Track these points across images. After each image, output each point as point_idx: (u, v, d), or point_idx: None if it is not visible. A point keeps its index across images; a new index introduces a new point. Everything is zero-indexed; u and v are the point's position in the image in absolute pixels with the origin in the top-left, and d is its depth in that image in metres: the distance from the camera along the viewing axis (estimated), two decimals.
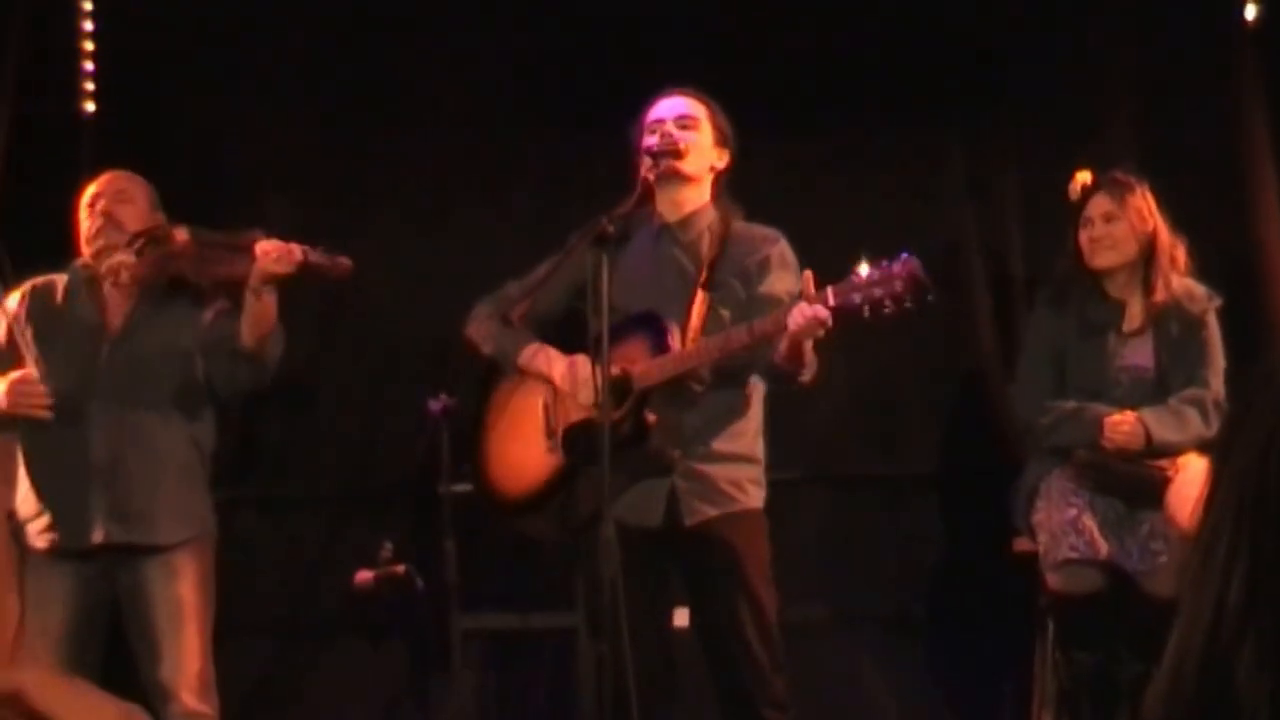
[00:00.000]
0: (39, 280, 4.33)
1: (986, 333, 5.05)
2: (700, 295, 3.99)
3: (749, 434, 4.04)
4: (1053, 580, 4.23)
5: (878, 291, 3.65)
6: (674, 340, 3.91)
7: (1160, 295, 4.35)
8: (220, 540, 4.34)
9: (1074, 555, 4.18)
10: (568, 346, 4.03)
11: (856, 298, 3.66)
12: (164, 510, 4.15)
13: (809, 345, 3.81)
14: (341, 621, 5.06)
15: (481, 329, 4.17)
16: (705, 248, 4.06)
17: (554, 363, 4.03)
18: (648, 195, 4.04)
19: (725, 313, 3.99)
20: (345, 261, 4.13)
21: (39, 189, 5.03)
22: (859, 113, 4.93)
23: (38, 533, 4.17)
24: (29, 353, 4.16)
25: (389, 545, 4.51)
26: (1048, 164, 4.82)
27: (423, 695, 5.02)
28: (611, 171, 4.10)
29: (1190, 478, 4.20)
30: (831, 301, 3.68)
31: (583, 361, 3.96)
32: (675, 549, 3.98)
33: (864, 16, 5.13)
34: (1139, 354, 4.39)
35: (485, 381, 4.21)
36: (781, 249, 4.07)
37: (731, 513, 3.96)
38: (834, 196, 4.85)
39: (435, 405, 4.43)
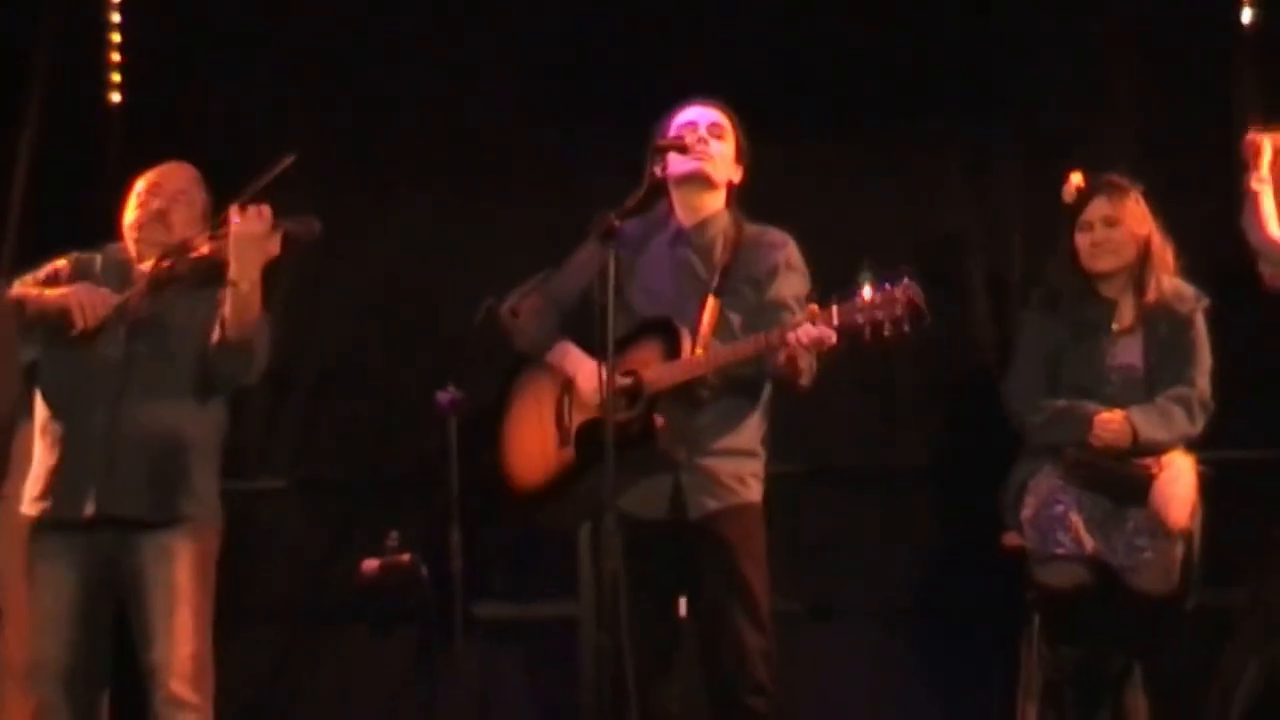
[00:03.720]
0: (82, 255, 4.22)
1: (983, 331, 5.02)
2: (711, 301, 4.00)
3: (751, 429, 4.05)
4: (1040, 575, 4.19)
5: (879, 314, 3.67)
6: (686, 346, 3.93)
7: (1151, 296, 4.31)
8: (230, 528, 4.22)
9: (1061, 551, 4.14)
10: (587, 340, 4.00)
11: (859, 318, 3.69)
12: (157, 487, 4.01)
13: (810, 358, 3.84)
14: (348, 608, 5.02)
15: (515, 323, 4.14)
16: (719, 253, 4.06)
17: (579, 364, 4.03)
18: (663, 195, 4.06)
19: (735, 318, 4.00)
20: (315, 223, 4.04)
21: (66, 178, 4.99)
22: (861, 115, 4.88)
23: (32, 500, 4.07)
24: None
25: (395, 534, 4.44)
26: (1046, 166, 4.74)
27: (427, 681, 4.93)
28: (620, 169, 4.06)
29: (1174, 476, 4.17)
30: (835, 321, 3.70)
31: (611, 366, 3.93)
32: (678, 540, 3.98)
33: (864, 20, 5.10)
34: (1129, 353, 4.33)
35: (511, 374, 4.19)
36: (789, 253, 4.09)
37: (732, 506, 3.97)
38: (836, 198, 4.82)
39: (444, 398, 4.34)
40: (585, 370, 3.98)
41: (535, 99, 5.20)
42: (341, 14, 5.32)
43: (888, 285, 3.70)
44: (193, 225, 4.17)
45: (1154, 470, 4.16)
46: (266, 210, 3.93)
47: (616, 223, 3.62)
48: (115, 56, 5.42)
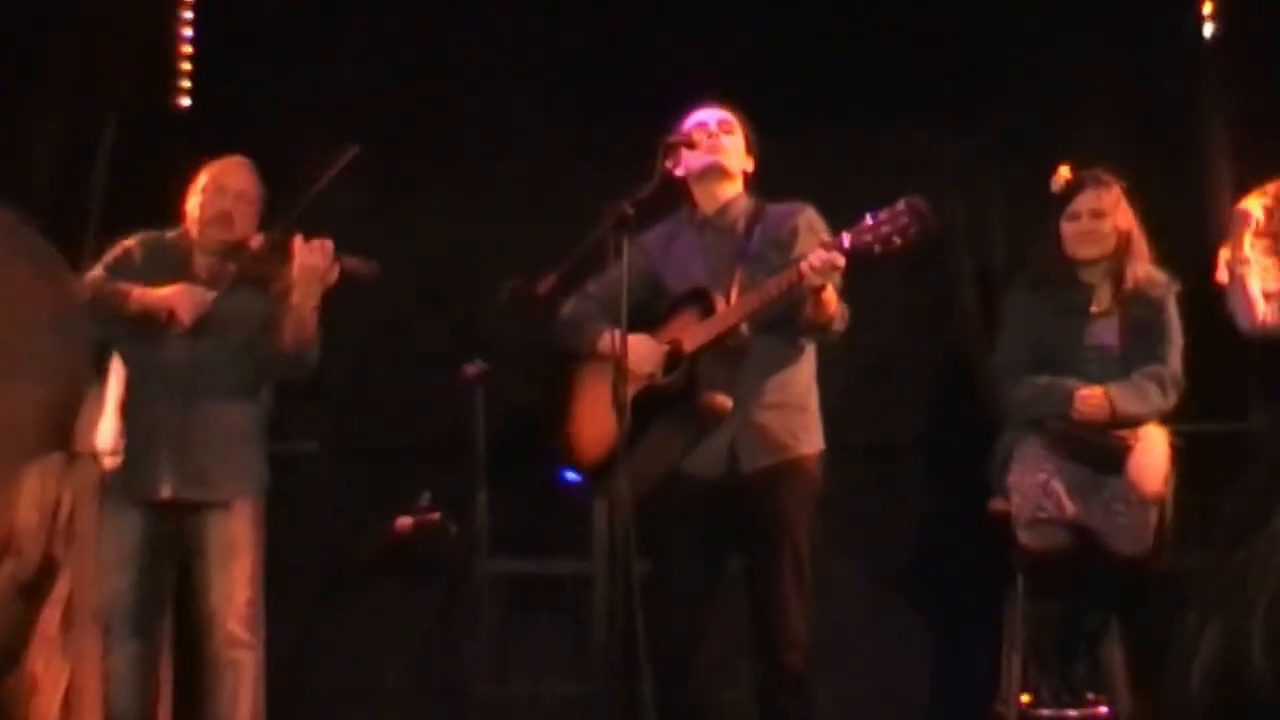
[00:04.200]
0: (148, 235, 4.36)
1: (970, 314, 5.06)
2: (739, 269, 4.04)
3: (800, 384, 4.07)
4: (1024, 537, 4.27)
5: (886, 229, 3.73)
6: (720, 307, 3.97)
7: (1129, 282, 4.39)
8: (275, 489, 4.39)
9: (1043, 515, 4.23)
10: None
11: (868, 237, 3.73)
12: (225, 470, 4.22)
13: (831, 296, 3.86)
14: (382, 564, 5.05)
15: (563, 327, 4.24)
16: (741, 228, 4.13)
17: (618, 342, 4.05)
18: (681, 192, 4.16)
19: (764, 278, 4.00)
20: (373, 265, 4.25)
21: (135, 180, 5.03)
22: (850, 111, 4.95)
23: (108, 455, 4.23)
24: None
25: (427, 495, 4.56)
26: (1028, 161, 4.84)
27: (453, 631, 5.07)
28: (634, 161, 4.11)
29: (1148, 447, 4.25)
30: (846, 244, 3.74)
31: (643, 338, 4.01)
32: (735, 496, 4.00)
33: (854, 20, 5.15)
34: (1106, 334, 4.42)
35: (565, 372, 4.27)
36: (809, 216, 4.13)
37: (784, 460, 4.00)
38: (829, 191, 4.75)
39: (470, 370, 4.45)
40: (631, 347, 3.96)
41: (556, 99, 5.26)
42: (389, 23, 5.37)
43: (889, 207, 3.76)
44: (252, 221, 4.32)
45: (1130, 442, 4.24)
46: (329, 245, 4.11)
47: (630, 210, 3.73)
48: (185, 64, 5.49)
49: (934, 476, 5.15)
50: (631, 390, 3.98)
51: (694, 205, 4.21)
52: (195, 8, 5.50)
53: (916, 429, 5.18)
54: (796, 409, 4.06)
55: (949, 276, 5.03)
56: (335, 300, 4.98)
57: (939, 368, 5.16)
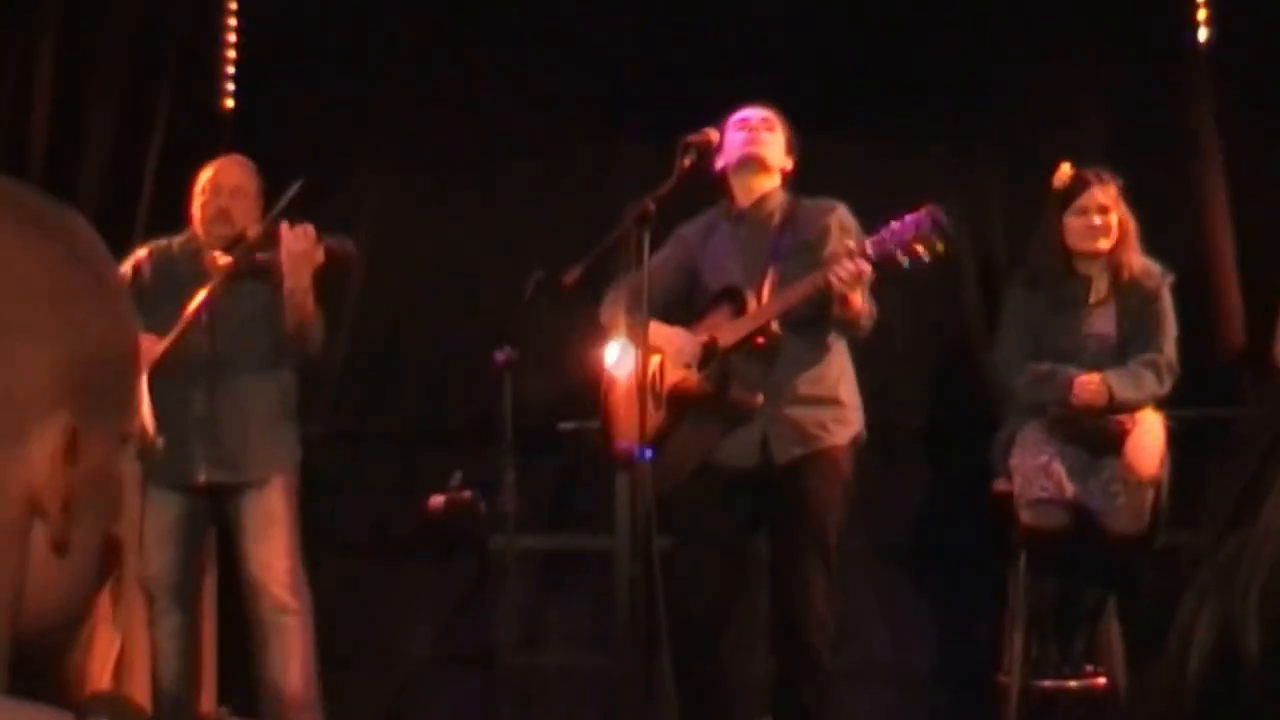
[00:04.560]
0: (158, 243, 4.49)
1: (971, 304, 5.11)
2: (771, 266, 4.12)
3: (830, 379, 4.15)
4: (1025, 517, 4.35)
5: (909, 235, 3.80)
6: (752, 305, 4.06)
7: (1125, 274, 4.45)
8: (313, 469, 4.51)
9: (1044, 495, 4.30)
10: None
11: (891, 244, 3.82)
12: (254, 452, 4.34)
13: (858, 297, 3.92)
14: (416, 539, 5.17)
15: (608, 315, 4.30)
16: (776, 224, 4.19)
17: (663, 335, 4.11)
18: (722, 187, 4.22)
19: (796, 275, 4.10)
20: (351, 247, 4.36)
21: (180, 179, 4.99)
22: (859, 115, 4.98)
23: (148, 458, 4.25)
24: (142, 307, 4.27)
25: (458, 474, 4.52)
26: (1026, 161, 4.90)
27: (482, 603, 5.14)
28: (651, 159, 4.20)
29: (1145, 430, 4.31)
30: (870, 252, 3.83)
31: (681, 333, 4.11)
32: (766, 485, 4.09)
33: (854, 25, 5.18)
34: (1103, 323, 4.48)
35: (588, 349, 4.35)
36: (840, 215, 4.18)
37: (815, 451, 4.07)
38: (838, 187, 4.75)
39: (500, 356, 4.44)
40: (669, 339, 4.10)
41: (579, 100, 5.34)
42: (423, 27, 5.42)
43: (905, 215, 3.83)
44: (251, 214, 4.42)
45: (1128, 426, 4.31)
46: (310, 230, 4.22)
47: (651, 207, 3.79)
48: (229, 67, 5.55)
49: (938, 458, 5.20)
50: (670, 381, 4.09)
51: (731, 198, 4.25)
52: (239, 12, 5.56)
53: (922, 412, 5.22)
54: (827, 402, 4.13)
55: (950, 263, 4.88)
56: (371, 285, 5.16)
57: (942, 353, 5.20)
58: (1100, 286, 4.53)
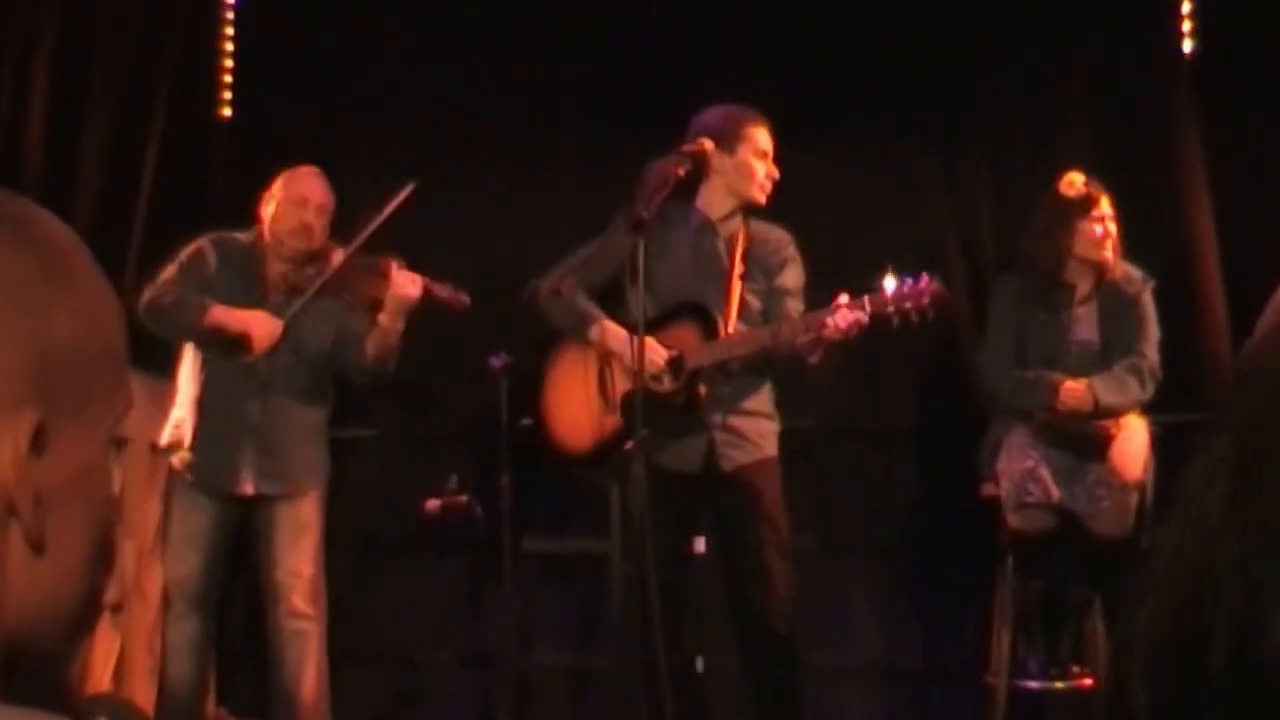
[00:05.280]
0: (220, 236, 4.44)
1: (960, 308, 5.04)
2: (738, 286, 4.21)
3: (766, 394, 4.29)
4: (1012, 520, 4.39)
5: (907, 304, 3.86)
6: (721, 327, 4.14)
7: (1108, 280, 4.50)
8: None
9: (1030, 499, 4.35)
10: (616, 318, 4.23)
11: (889, 309, 3.88)
12: (299, 466, 4.38)
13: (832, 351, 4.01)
14: (413, 542, 5.20)
15: (549, 302, 4.31)
16: (738, 244, 4.24)
17: (619, 339, 4.17)
18: (689, 190, 4.23)
19: (754, 300, 4.24)
20: (464, 298, 4.39)
21: (180, 186, 5.14)
22: (844, 116, 4.99)
23: (182, 450, 4.36)
24: (207, 294, 4.33)
25: (454, 478, 4.61)
26: (1013, 164, 4.95)
27: (478, 605, 5.21)
28: (644, 163, 4.19)
29: (1129, 435, 4.37)
30: (868, 309, 3.87)
31: (649, 343, 4.07)
32: (709, 489, 4.23)
33: (844, 30, 5.18)
34: (1086, 329, 4.52)
35: (546, 348, 4.38)
36: (794, 250, 4.31)
37: (759, 459, 4.23)
38: (827, 191, 4.91)
39: (496, 361, 4.51)
40: (625, 346, 4.10)
41: (573, 107, 5.36)
42: (423, 35, 5.42)
43: (910, 280, 3.88)
44: (326, 232, 4.43)
45: (1112, 431, 4.36)
46: (420, 280, 4.27)
47: (645, 214, 3.81)
48: (227, 76, 5.53)
49: (927, 461, 5.22)
50: (625, 388, 4.13)
51: (693, 200, 4.27)
52: (237, 20, 5.56)
53: (911, 415, 5.24)
54: (764, 415, 4.28)
55: (939, 267, 4.89)
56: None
57: (931, 357, 5.20)
58: (1084, 293, 4.57)
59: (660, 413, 4.00)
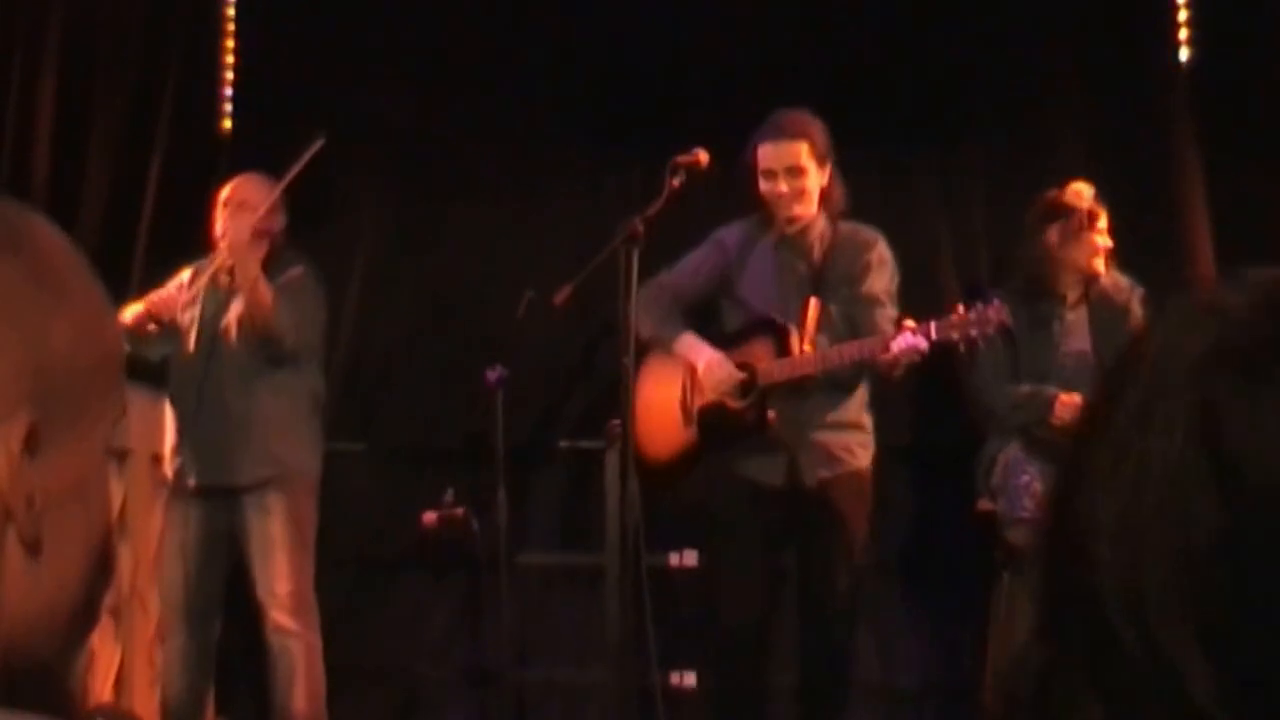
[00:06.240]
0: (200, 264, 4.55)
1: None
2: (814, 301, 4.20)
3: (855, 405, 4.28)
4: (1008, 536, 4.38)
5: (973, 331, 3.91)
6: (794, 344, 4.14)
7: (1098, 290, 4.51)
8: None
9: (1026, 515, 4.31)
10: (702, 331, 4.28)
11: (955, 334, 3.91)
12: (241, 457, 4.33)
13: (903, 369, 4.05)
14: (409, 556, 5.22)
15: (641, 314, 4.24)
16: (817, 254, 4.26)
17: (700, 353, 4.21)
18: (767, 213, 4.27)
19: (834, 310, 4.22)
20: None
21: (180, 200, 5.15)
22: (838, 127, 4.79)
23: (169, 460, 4.46)
24: (181, 320, 4.45)
25: (451, 492, 4.64)
26: (1009, 175, 4.94)
27: (476, 618, 5.18)
28: (641, 179, 4.23)
29: None
30: (934, 335, 3.92)
31: (721, 360, 4.18)
32: (794, 505, 4.22)
33: (838, 40, 5.21)
34: (1079, 340, 4.53)
35: (638, 356, 4.29)
36: (880, 250, 4.28)
37: (842, 473, 4.22)
38: None
39: (492, 375, 4.51)
40: (704, 360, 4.16)
41: (569, 120, 5.34)
42: (420, 53, 5.44)
43: (979, 304, 3.91)
44: (262, 220, 4.45)
45: None
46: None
47: (640, 227, 3.84)
48: (228, 90, 5.60)
49: (923, 477, 5.22)
50: (703, 401, 4.18)
51: (772, 217, 4.29)
52: (238, 36, 5.59)
53: (907, 432, 5.19)
54: (852, 427, 4.26)
55: (933, 286, 5.08)
56: (367, 307, 5.21)
57: (928, 374, 4.90)
58: (1074, 304, 4.58)
59: (734, 429, 4.05)
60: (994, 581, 4.57)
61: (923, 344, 3.91)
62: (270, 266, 4.41)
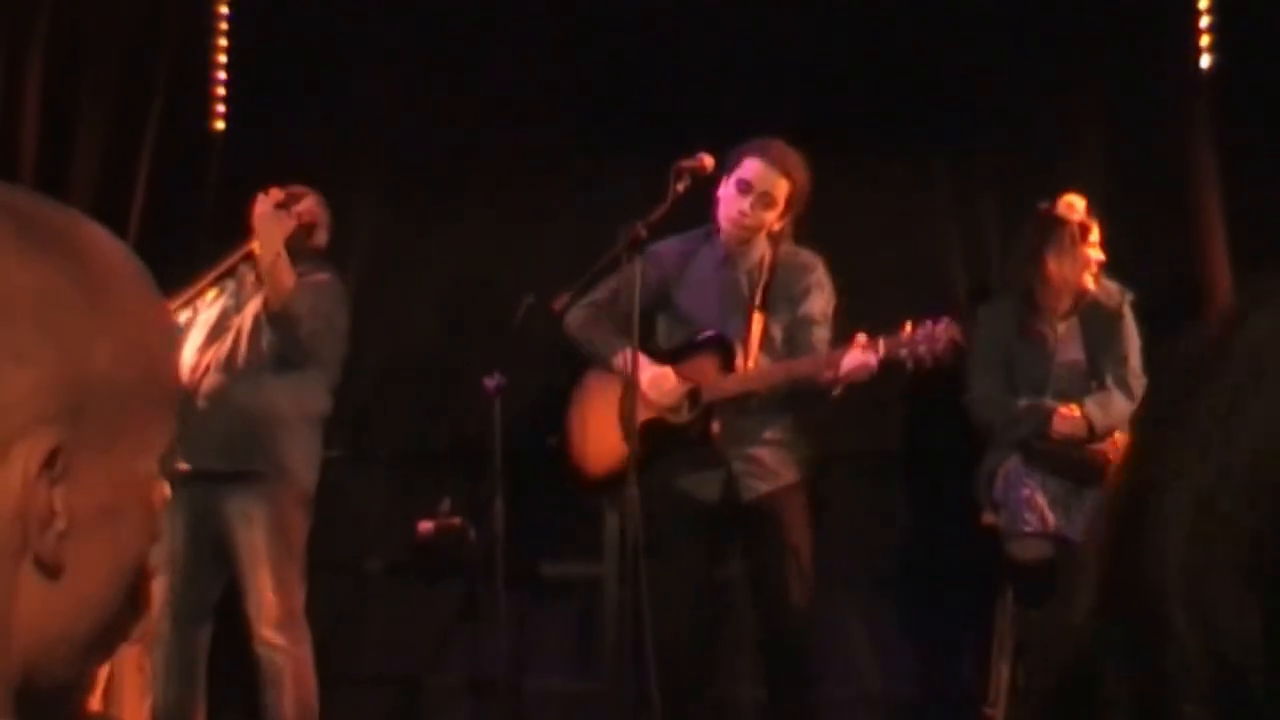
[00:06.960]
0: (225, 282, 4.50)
1: (966, 335, 5.05)
2: (757, 318, 4.23)
3: (788, 422, 4.29)
4: (1010, 549, 4.41)
5: (922, 349, 3.88)
6: (740, 360, 4.16)
7: (1088, 298, 4.51)
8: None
9: (1028, 528, 4.35)
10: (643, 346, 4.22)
11: (903, 352, 3.90)
12: (236, 442, 4.28)
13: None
14: (406, 564, 5.20)
15: (579, 329, 4.34)
16: (761, 274, 4.25)
17: (645, 368, 4.15)
18: (709, 206, 4.25)
19: (777, 330, 4.24)
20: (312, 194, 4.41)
21: (173, 199, 5.15)
22: (854, 138, 4.97)
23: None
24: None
25: (447, 501, 4.64)
26: (1024, 183, 4.87)
27: (472, 628, 5.14)
28: (642, 184, 4.23)
29: None
30: (881, 352, 3.91)
31: (666, 374, 4.18)
32: (731, 519, 4.24)
33: (852, 45, 5.20)
34: (1072, 350, 4.54)
35: (577, 371, 4.40)
36: (819, 275, 4.30)
37: (779, 487, 4.24)
38: (831, 213, 4.83)
39: (490, 383, 4.48)
40: (648, 376, 4.15)
41: (569, 124, 5.35)
42: (415, 52, 5.41)
43: (929, 322, 3.89)
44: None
45: (1109, 455, 4.31)
46: (275, 192, 4.24)
47: (643, 233, 3.85)
48: (220, 89, 5.56)
49: (925, 490, 5.24)
50: (646, 416, 4.14)
51: (717, 228, 4.28)
52: (230, 34, 5.59)
53: (910, 442, 5.25)
54: (784, 445, 4.28)
55: (944, 292, 5.09)
56: (362, 312, 5.16)
57: (933, 384, 4.91)
58: (1064, 313, 4.58)
59: (676, 443, 4.05)
60: (996, 595, 4.58)
61: (872, 361, 3.90)
62: (297, 265, 4.36)
